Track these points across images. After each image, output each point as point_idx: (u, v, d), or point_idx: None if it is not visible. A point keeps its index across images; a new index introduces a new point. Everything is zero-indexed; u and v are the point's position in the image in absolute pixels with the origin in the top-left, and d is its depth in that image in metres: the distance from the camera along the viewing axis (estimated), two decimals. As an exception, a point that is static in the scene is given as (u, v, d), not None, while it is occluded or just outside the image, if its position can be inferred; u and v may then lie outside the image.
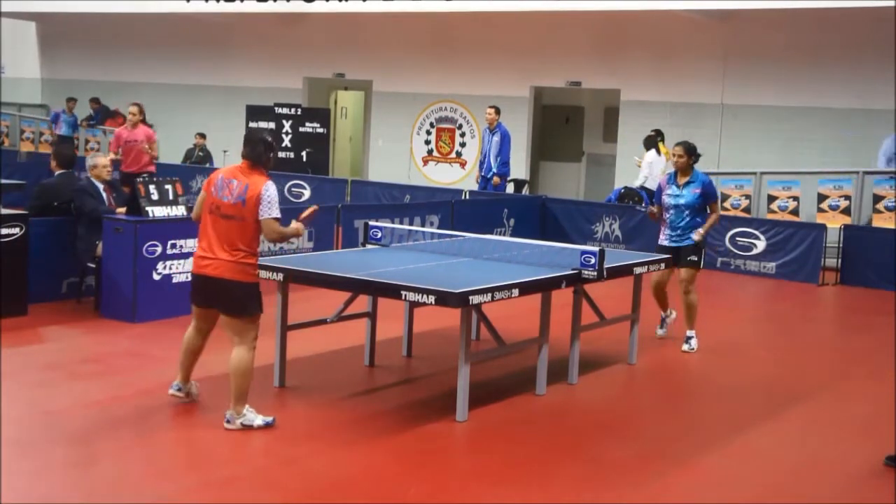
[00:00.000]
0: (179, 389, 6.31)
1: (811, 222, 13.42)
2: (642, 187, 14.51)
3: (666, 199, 8.53)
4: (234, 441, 5.85)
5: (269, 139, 6.08)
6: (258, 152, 5.96)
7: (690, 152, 8.44)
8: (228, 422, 5.94)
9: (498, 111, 14.47)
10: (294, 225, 6.13)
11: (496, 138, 14.29)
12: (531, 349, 7.19)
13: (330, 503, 5.09)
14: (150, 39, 21.54)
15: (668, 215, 8.55)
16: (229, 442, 5.84)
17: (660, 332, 9.02)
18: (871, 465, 5.90)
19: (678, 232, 8.49)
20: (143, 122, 12.82)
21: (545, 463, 5.73)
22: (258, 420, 5.97)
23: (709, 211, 8.62)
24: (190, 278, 6.20)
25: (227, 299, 5.95)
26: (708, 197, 8.53)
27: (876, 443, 6.18)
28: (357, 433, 6.04)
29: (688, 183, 8.44)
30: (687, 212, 8.45)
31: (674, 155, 8.60)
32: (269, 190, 5.89)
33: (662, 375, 8.04)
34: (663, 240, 8.60)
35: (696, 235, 8.42)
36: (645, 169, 14.62)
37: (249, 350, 5.97)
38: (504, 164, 14.39)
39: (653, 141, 14.58)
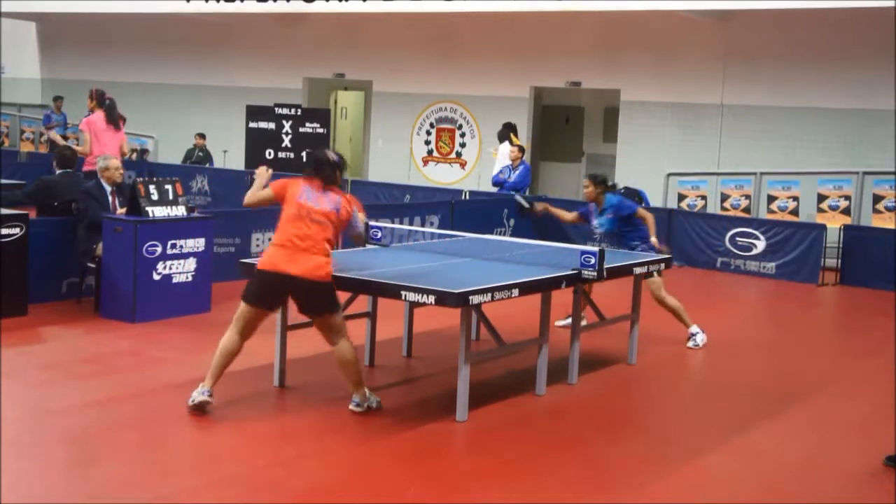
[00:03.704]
0: (211, 395, 6.20)
1: (811, 222, 13.43)
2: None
3: (595, 228, 8.93)
4: (234, 441, 5.85)
5: (336, 159, 6.41)
6: (331, 175, 6.32)
7: (597, 182, 8.79)
8: (358, 405, 6.35)
9: (521, 150, 14.80)
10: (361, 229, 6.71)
11: (518, 172, 14.57)
12: (531, 349, 7.19)
13: (330, 503, 5.10)
14: (150, 39, 21.53)
15: (604, 243, 8.82)
16: (229, 442, 5.84)
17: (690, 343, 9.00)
18: (871, 465, 5.90)
19: (619, 246, 8.74)
20: (108, 108, 11.98)
21: (545, 463, 5.74)
22: (374, 402, 6.42)
23: (640, 220, 8.79)
24: (259, 277, 6.25)
25: (313, 300, 6.25)
26: (623, 216, 8.73)
27: (876, 443, 6.18)
28: (357, 433, 6.04)
29: (603, 210, 8.79)
30: (614, 235, 8.80)
31: (584, 187, 8.93)
32: (356, 210, 6.44)
33: (662, 375, 8.04)
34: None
35: (657, 247, 8.67)
36: (501, 160, 15.15)
37: (348, 341, 6.33)
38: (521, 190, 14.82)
39: (506, 133, 15.14)
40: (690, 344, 8.71)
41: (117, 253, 8.61)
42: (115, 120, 11.63)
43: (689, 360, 8.55)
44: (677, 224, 13.74)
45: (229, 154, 19.36)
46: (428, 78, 18.88)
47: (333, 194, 6.30)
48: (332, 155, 6.39)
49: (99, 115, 11.55)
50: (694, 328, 8.77)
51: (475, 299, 6.08)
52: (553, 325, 8.05)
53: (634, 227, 8.76)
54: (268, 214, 12.25)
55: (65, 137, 18.23)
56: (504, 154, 15.05)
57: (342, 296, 7.19)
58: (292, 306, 6.96)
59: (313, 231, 6.17)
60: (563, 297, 7.25)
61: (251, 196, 6.48)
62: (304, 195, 6.25)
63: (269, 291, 6.23)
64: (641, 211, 8.92)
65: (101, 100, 11.76)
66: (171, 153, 19.71)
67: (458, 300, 5.95)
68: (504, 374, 7.52)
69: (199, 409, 6.14)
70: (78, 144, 11.94)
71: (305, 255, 6.13)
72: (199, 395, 6.17)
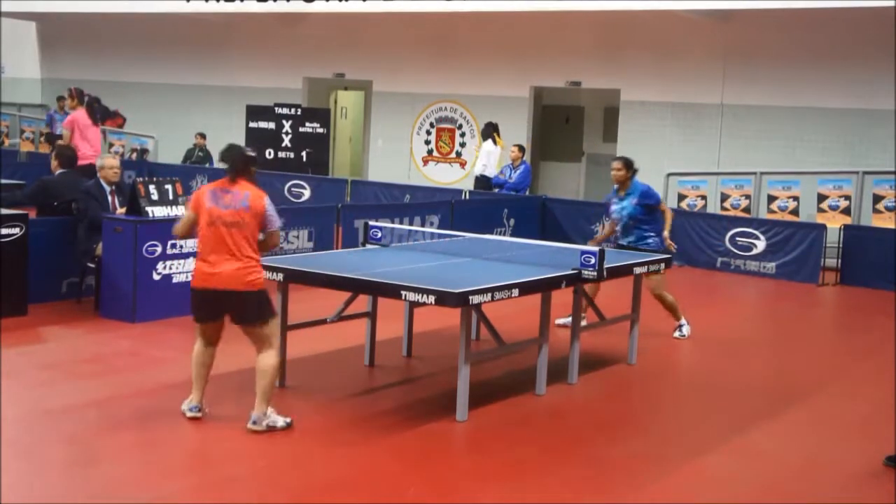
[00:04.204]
0: (199, 410, 6.11)
1: (811, 222, 13.42)
2: (482, 175, 15.22)
3: (613, 214, 8.92)
4: (234, 441, 5.85)
5: (251, 154, 6.14)
6: (240, 168, 6.00)
7: (628, 166, 8.81)
8: (255, 423, 5.92)
9: (522, 149, 14.91)
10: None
11: (519, 172, 14.68)
12: (531, 349, 7.19)
13: (330, 503, 5.09)
14: (150, 39, 21.53)
15: (617, 228, 8.91)
16: (229, 442, 5.84)
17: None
18: (871, 465, 5.90)
19: (632, 239, 8.80)
20: (89, 107, 12.20)
21: (545, 463, 5.74)
22: (280, 421, 5.99)
23: (661, 215, 8.87)
24: (193, 295, 6.05)
25: (243, 310, 5.96)
26: (648, 204, 8.78)
27: (876, 443, 6.18)
28: (357, 433, 6.04)
29: (627, 195, 8.78)
30: (631, 222, 8.78)
31: (613, 168, 8.90)
32: (269, 202, 6.04)
33: (662, 375, 8.04)
34: (620, 242, 8.95)
35: (666, 244, 8.75)
36: (483, 158, 15.40)
37: (275, 353, 6.03)
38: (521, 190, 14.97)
39: (489, 132, 15.34)
40: (676, 334, 8.93)
41: (117, 253, 8.61)
42: (94, 116, 12.11)
43: (689, 360, 8.55)
44: (677, 224, 13.67)
45: (229, 154, 19.31)
46: (428, 78, 18.88)
47: (239, 190, 5.94)
48: (245, 150, 6.13)
49: (82, 113, 11.94)
50: (682, 321, 8.98)
51: (475, 299, 6.08)
52: (553, 323, 8.08)
53: (653, 219, 8.81)
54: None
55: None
56: (486, 152, 15.26)
57: (342, 296, 7.20)
58: (292, 306, 6.97)
59: (228, 235, 5.86)
60: (563, 297, 7.25)
61: (179, 225, 6.19)
62: (210, 200, 5.94)
63: (207, 307, 6.01)
64: (664, 204, 8.99)
65: (80, 97, 12.01)
66: (171, 153, 19.70)
67: (458, 300, 5.95)
68: (504, 374, 7.52)
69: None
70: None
71: (228, 263, 5.85)
72: (188, 411, 6.09)
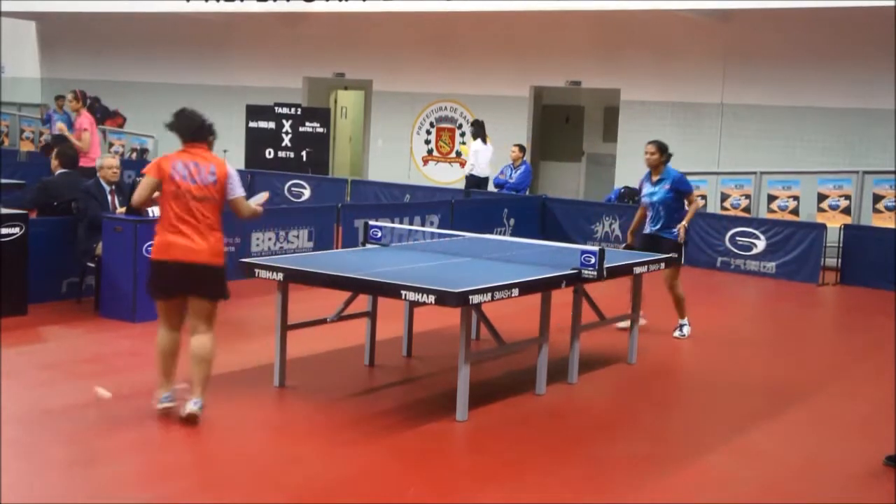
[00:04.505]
0: (172, 400, 6.03)
1: (811, 222, 13.42)
2: (471, 175, 15.29)
3: (643, 198, 8.86)
4: (234, 441, 5.85)
5: (209, 121, 6.12)
6: (203, 134, 6.01)
7: (662, 150, 8.74)
8: (200, 409, 5.87)
9: (522, 149, 14.94)
10: (254, 206, 6.23)
11: (520, 172, 14.69)
12: (531, 349, 7.19)
13: (330, 503, 5.09)
14: (150, 39, 21.53)
15: (648, 213, 8.86)
16: (229, 442, 5.84)
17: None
18: (871, 465, 5.90)
19: (657, 227, 8.76)
20: (91, 109, 12.44)
21: (545, 463, 5.73)
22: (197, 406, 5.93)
23: (686, 204, 8.84)
24: (156, 269, 5.94)
25: (205, 284, 5.93)
26: (680, 192, 8.77)
27: (876, 443, 6.18)
28: (357, 433, 6.04)
29: (660, 180, 8.73)
30: (661, 208, 8.72)
31: (646, 153, 8.82)
32: (232, 169, 6.05)
33: (662, 375, 8.04)
34: (646, 228, 8.91)
35: (678, 231, 8.66)
36: (471, 157, 15.44)
37: (213, 336, 6.00)
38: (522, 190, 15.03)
39: (479, 131, 15.41)
40: (676, 334, 8.91)
41: (117, 252, 8.60)
42: (94, 116, 12.67)
43: (688, 359, 8.55)
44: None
45: (229, 153, 19.23)
46: (428, 77, 18.88)
47: (204, 163, 5.92)
48: (202, 116, 6.08)
49: (87, 115, 12.00)
50: (683, 321, 8.94)
51: (475, 299, 6.08)
52: (615, 327, 8.28)
53: (681, 207, 8.78)
54: (270, 214, 12.24)
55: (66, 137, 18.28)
56: (474, 151, 15.36)
57: (342, 296, 7.20)
58: (292, 306, 6.97)
59: (197, 209, 5.85)
60: (563, 297, 7.24)
61: (138, 192, 6.04)
62: (178, 172, 5.86)
63: (173, 281, 5.93)
64: (694, 195, 9.00)
65: (84, 100, 12.08)
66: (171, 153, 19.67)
67: (458, 300, 5.95)
68: (504, 374, 7.52)
69: (166, 414, 6.00)
70: (79, 142, 12.21)
71: (198, 236, 5.85)
72: (161, 403, 5.99)
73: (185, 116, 6.03)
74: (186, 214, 5.86)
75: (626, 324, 8.34)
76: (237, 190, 6.03)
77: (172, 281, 5.95)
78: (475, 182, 15.19)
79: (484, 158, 15.23)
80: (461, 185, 17.15)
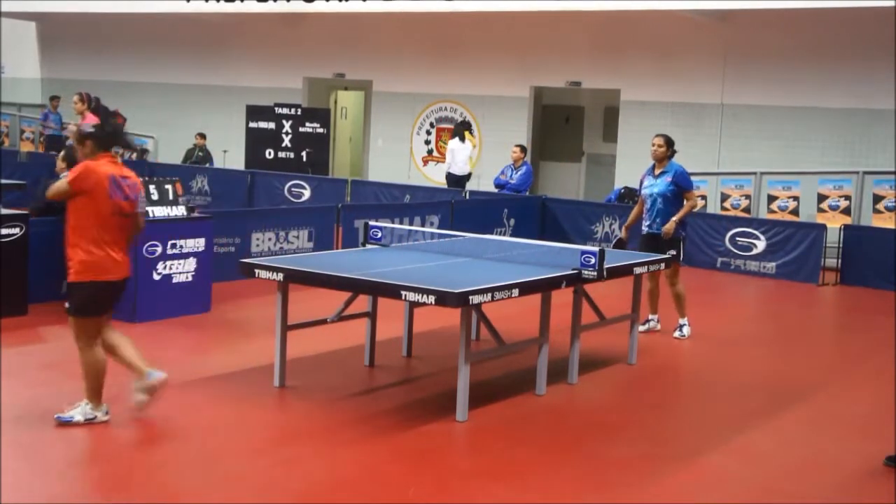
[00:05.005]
0: (107, 413, 5.98)
1: (811, 222, 13.43)
2: (449, 173, 15.61)
3: (643, 191, 8.90)
4: (234, 441, 5.85)
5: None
6: (126, 141, 6.15)
7: (669, 144, 8.85)
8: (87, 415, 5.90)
9: (524, 149, 14.97)
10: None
11: (521, 173, 14.71)
12: (531, 349, 7.19)
13: (330, 503, 5.10)
14: (150, 39, 21.53)
15: (646, 207, 8.89)
16: (229, 442, 5.84)
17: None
18: (871, 465, 5.90)
19: (656, 220, 8.77)
20: (96, 112, 12.43)
21: (545, 462, 5.74)
22: (103, 413, 5.99)
23: (685, 201, 8.84)
24: (100, 288, 5.98)
25: (119, 298, 6.17)
26: (680, 186, 8.79)
27: (876, 443, 6.18)
28: (357, 433, 6.04)
29: (662, 173, 8.79)
30: (659, 200, 8.75)
31: (653, 145, 8.90)
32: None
33: (662, 375, 8.04)
34: (643, 228, 8.92)
35: (665, 227, 8.66)
36: (448, 155, 15.80)
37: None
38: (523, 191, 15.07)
39: (460, 131, 15.77)
40: (676, 334, 8.90)
41: (117, 253, 8.59)
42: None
43: (688, 359, 8.55)
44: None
45: (229, 154, 19.35)
46: (428, 78, 18.88)
47: (130, 178, 5.93)
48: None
49: (95, 117, 11.92)
50: (683, 321, 8.94)
51: (475, 299, 6.08)
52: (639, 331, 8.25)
53: (679, 204, 8.79)
54: (270, 215, 12.23)
55: (62, 137, 18.29)
56: (450, 150, 15.63)
57: (342, 296, 7.21)
58: (292, 306, 6.97)
59: (123, 224, 5.92)
60: (563, 298, 7.25)
61: (55, 190, 5.99)
62: (114, 191, 5.81)
63: (111, 299, 6.10)
64: (693, 193, 9.03)
65: (89, 102, 12.08)
66: (171, 153, 19.69)
67: (458, 300, 5.95)
68: (504, 374, 7.52)
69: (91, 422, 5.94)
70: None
71: (124, 252, 6.00)
72: (98, 416, 5.93)
73: (113, 122, 6.11)
74: (119, 231, 5.94)
75: (649, 325, 8.49)
76: (143, 204, 6.18)
77: (111, 299, 6.12)
78: (455, 180, 15.43)
79: (461, 157, 15.53)
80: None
